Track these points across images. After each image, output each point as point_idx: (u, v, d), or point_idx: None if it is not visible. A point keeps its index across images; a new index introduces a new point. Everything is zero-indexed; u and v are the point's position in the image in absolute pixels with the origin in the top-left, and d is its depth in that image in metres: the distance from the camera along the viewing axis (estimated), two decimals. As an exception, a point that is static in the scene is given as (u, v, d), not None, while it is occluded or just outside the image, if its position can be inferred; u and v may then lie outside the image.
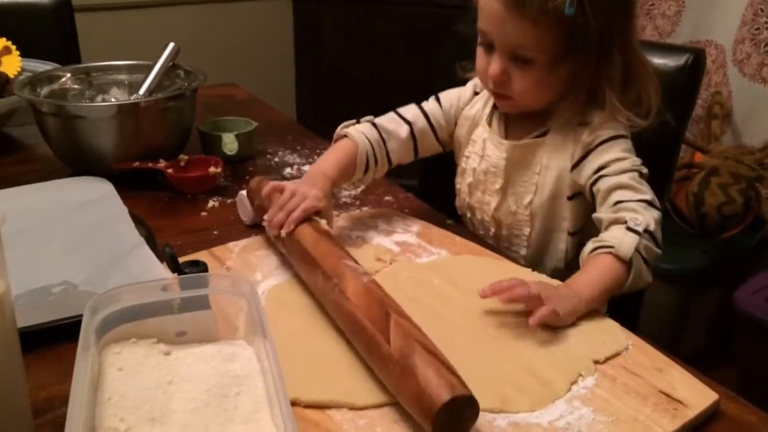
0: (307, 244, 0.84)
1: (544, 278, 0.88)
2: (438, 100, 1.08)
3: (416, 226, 1.04)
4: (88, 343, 0.57)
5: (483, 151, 1.02)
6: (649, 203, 0.87)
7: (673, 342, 1.78)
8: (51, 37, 1.81)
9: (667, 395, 0.68)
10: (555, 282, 0.84)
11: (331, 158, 1.00)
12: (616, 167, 0.90)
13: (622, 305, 1.08)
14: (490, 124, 1.03)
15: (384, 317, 0.68)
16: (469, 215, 1.09)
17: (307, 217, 0.88)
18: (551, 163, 0.96)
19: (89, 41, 1.99)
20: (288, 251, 0.89)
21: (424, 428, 0.62)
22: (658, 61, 1.16)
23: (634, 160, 0.91)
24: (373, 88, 2.91)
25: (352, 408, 0.66)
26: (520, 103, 0.95)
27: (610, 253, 0.82)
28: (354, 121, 1.06)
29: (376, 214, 1.08)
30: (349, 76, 2.94)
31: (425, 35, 2.67)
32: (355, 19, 2.88)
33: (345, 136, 1.03)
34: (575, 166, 0.94)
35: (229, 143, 1.25)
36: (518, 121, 1.01)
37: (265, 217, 0.92)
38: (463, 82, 1.10)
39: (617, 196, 0.89)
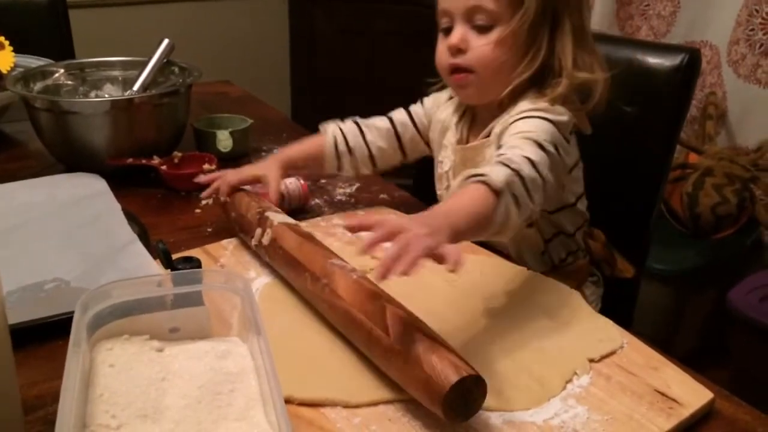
0: (291, 248, 0.83)
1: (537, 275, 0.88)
2: (422, 101, 1.09)
3: (411, 224, 1.03)
4: (79, 339, 0.56)
5: (452, 154, 1.02)
6: (532, 162, 0.80)
7: (667, 342, 1.78)
8: (45, 34, 1.81)
9: (662, 394, 0.68)
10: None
11: (294, 146, 1.08)
12: (517, 137, 0.85)
13: (615, 304, 1.08)
14: (456, 129, 1.02)
15: (379, 310, 0.68)
16: None
17: (241, 183, 1.00)
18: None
19: (83, 38, 1.98)
20: (271, 258, 0.87)
21: (432, 416, 0.61)
22: (653, 60, 1.16)
23: (539, 135, 0.84)
24: (368, 87, 2.91)
25: (346, 406, 0.65)
26: (480, 79, 0.92)
27: (481, 182, 0.74)
28: (337, 120, 1.08)
29: (371, 212, 1.07)
30: (344, 75, 2.94)
31: (420, 35, 2.65)
32: (350, 18, 2.88)
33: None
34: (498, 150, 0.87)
35: (224, 140, 1.25)
36: (480, 124, 0.99)
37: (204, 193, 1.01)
38: None
39: (503, 150, 0.83)
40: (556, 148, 0.86)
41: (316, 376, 0.69)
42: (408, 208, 1.10)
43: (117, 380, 0.57)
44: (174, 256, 0.74)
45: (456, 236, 0.68)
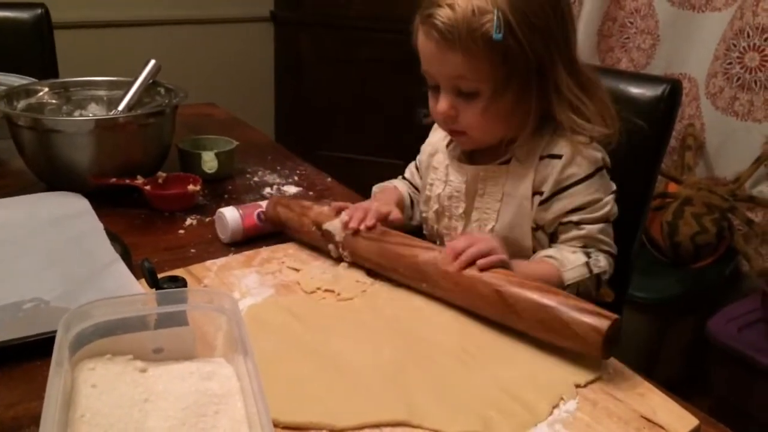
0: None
1: None
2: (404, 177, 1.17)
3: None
4: (61, 358, 0.55)
5: (446, 176, 1.01)
6: (612, 254, 0.92)
7: (647, 370, 1.76)
8: (29, 53, 1.80)
9: (649, 420, 0.68)
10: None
11: (388, 192, 1.10)
12: (590, 216, 0.91)
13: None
14: (453, 150, 1.02)
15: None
16: (438, 242, 1.07)
17: (381, 219, 0.95)
18: (513, 192, 0.94)
19: (68, 59, 1.97)
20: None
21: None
22: (635, 90, 1.18)
23: (606, 202, 0.92)
24: (352, 114, 2.93)
25: (331, 430, 0.64)
26: (474, 138, 0.94)
27: (556, 269, 0.87)
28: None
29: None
30: (328, 101, 2.96)
31: (405, 63, 2.69)
32: (336, 45, 2.90)
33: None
34: (545, 201, 0.93)
35: (209, 161, 1.24)
36: (482, 150, 1.00)
37: (344, 215, 0.95)
38: None
39: (585, 234, 0.92)
40: (613, 208, 0.94)
41: (302, 400, 0.68)
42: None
43: (99, 401, 0.55)
44: (159, 276, 0.73)
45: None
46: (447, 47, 0.86)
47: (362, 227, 0.92)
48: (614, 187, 0.96)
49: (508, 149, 0.95)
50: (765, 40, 1.77)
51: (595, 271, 0.88)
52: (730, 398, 1.65)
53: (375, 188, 1.13)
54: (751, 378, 1.58)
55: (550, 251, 0.90)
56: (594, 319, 0.73)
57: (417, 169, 1.13)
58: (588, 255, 0.89)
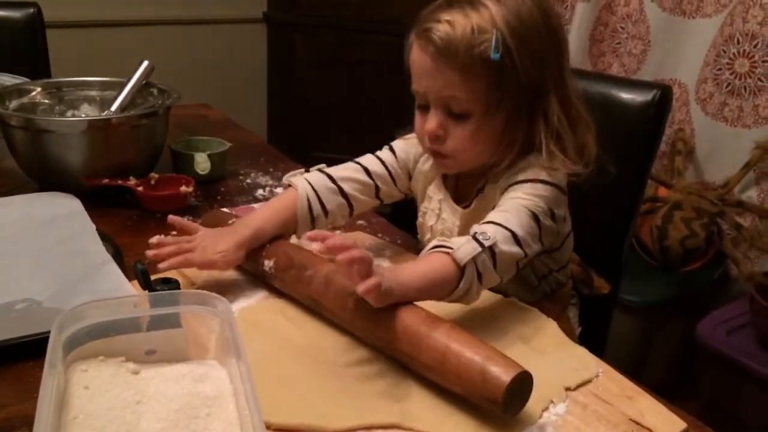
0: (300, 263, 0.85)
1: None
2: (392, 149, 1.03)
3: (389, 250, 1.04)
4: (55, 359, 0.55)
5: (440, 211, 0.99)
6: (513, 235, 0.82)
7: (636, 373, 1.78)
8: (21, 52, 1.79)
9: (637, 423, 0.69)
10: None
11: (264, 209, 0.96)
12: (514, 203, 0.86)
13: (588, 335, 1.10)
14: (445, 183, 0.99)
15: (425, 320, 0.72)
16: None
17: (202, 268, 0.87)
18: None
19: (60, 58, 1.96)
20: (282, 281, 0.87)
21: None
22: (626, 96, 1.19)
23: (537, 204, 0.86)
24: (344, 115, 2.93)
25: (323, 432, 0.65)
26: (457, 161, 0.91)
27: (448, 253, 0.78)
28: (302, 169, 1.01)
29: (348, 239, 1.07)
30: (321, 102, 2.96)
31: (397, 63, 2.70)
32: (329, 47, 2.91)
33: (290, 185, 0.98)
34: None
35: (202, 163, 1.24)
36: (467, 177, 0.97)
37: (153, 240, 0.89)
38: None
39: (493, 216, 0.84)
40: (552, 215, 0.87)
41: (293, 402, 0.68)
42: (385, 235, 1.10)
43: (92, 403, 0.55)
44: (152, 277, 0.73)
45: (403, 290, 0.73)
46: (443, 63, 0.84)
47: (161, 266, 0.84)
48: (560, 213, 0.90)
49: (486, 174, 0.93)
50: (755, 46, 1.78)
51: (486, 242, 0.78)
52: (719, 402, 1.66)
53: (285, 179, 1.00)
54: (740, 382, 1.60)
55: (431, 243, 0.82)
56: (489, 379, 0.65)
57: (387, 169, 1.01)
58: (474, 233, 0.81)
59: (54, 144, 1.13)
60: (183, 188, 1.14)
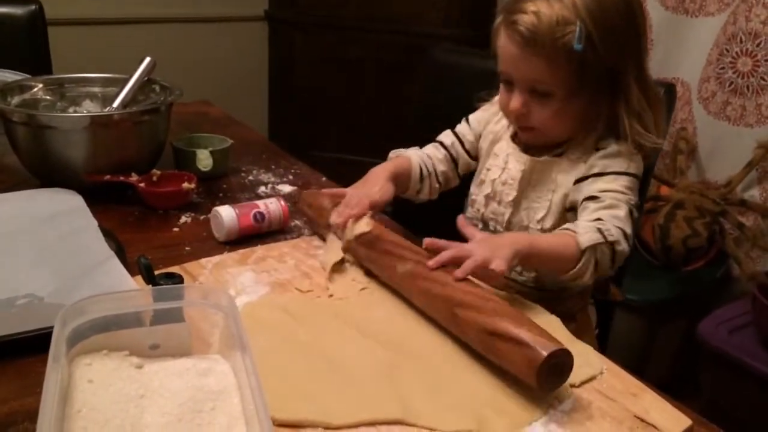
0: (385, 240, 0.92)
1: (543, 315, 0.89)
2: (467, 120, 1.14)
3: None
4: (58, 353, 0.55)
5: (505, 164, 1.05)
6: (625, 235, 0.90)
7: (638, 372, 1.78)
8: (23, 49, 1.79)
9: (642, 420, 0.69)
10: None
11: (386, 165, 1.07)
12: (613, 196, 0.93)
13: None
14: (513, 140, 1.06)
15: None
16: (481, 226, 1.09)
17: (365, 212, 0.95)
18: (562, 182, 0.99)
19: (62, 56, 1.96)
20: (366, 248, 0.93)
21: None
22: (630, 93, 1.19)
23: (631, 198, 0.94)
24: (345, 113, 2.93)
25: (327, 427, 0.65)
26: (542, 135, 0.98)
27: (572, 236, 0.87)
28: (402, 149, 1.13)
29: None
30: (322, 100, 2.96)
31: (398, 62, 2.70)
32: (330, 45, 2.90)
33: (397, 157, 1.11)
34: (578, 181, 0.97)
35: (204, 159, 1.24)
36: (540, 144, 1.04)
37: (331, 219, 0.98)
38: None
39: (601, 214, 0.91)
40: (638, 209, 0.95)
41: (297, 397, 0.68)
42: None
43: (95, 396, 0.55)
44: (155, 273, 0.73)
45: (526, 256, 0.84)
46: (529, 52, 0.90)
47: (347, 221, 0.94)
48: (637, 201, 0.97)
49: (565, 144, 0.99)
50: (757, 45, 1.78)
51: (609, 238, 0.87)
52: (720, 401, 1.66)
53: (392, 153, 1.12)
54: (741, 381, 1.59)
55: (565, 225, 0.92)
56: (530, 351, 0.68)
57: (461, 141, 1.13)
58: (597, 225, 0.89)
59: (56, 140, 1.13)
60: (185, 185, 1.13)
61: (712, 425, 0.71)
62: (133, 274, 0.86)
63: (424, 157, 1.11)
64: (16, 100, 1.24)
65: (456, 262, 0.81)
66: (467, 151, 1.13)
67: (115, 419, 0.53)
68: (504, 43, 0.94)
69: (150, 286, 0.70)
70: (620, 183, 0.93)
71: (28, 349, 0.72)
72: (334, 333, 0.80)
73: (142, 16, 2.68)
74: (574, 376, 0.74)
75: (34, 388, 0.60)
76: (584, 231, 0.87)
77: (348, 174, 1.14)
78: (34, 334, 0.72)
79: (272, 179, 1.31)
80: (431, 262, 0.82)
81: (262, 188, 1.26)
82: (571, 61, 0.89)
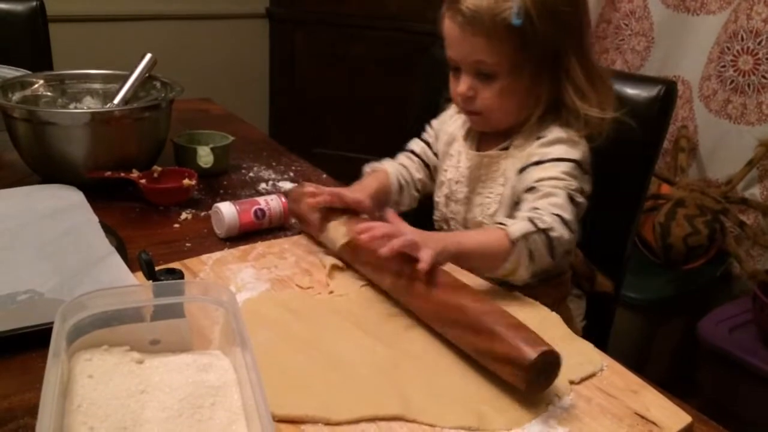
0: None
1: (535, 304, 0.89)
2: (430, 125, 1.15)
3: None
4: (58, 348, 0.55)
5: (458, 162, 1.07)
6: (564, 221, 0.88)
7: (637, 370, 1.78)
8: (23, 46, 1.78)
9: (642, 417, 0.69)
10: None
11: (366, 183, 1.07)
12: (551, 184, 0.92)
13: (590, 332, 1.09)
14: (466, 139, 1.07)
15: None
16: (445, 227, 1.11)
17: (345, 204, 0.97)
18: (510, 175, 0.99)
19: (62, 52, 1.96)
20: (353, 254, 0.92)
21: None
22: (630, 91, 1.19)
23: (572, 184, 0.92)
24: (346, 110, 2.93)
25: (327, 423, 0.65)
26: (489, 119, 0.99)
27: (501, 228, 0.85)
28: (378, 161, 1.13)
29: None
30: (323, 97, 2.96)
31: (399, 60, 2.70)
32: (331, 42, 2.90)
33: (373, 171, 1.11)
34: (521, 171, 0.97)
35: (204, 156, 1.24)
36: (491, 137, 1.05)
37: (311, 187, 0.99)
38: (437, 109, 1.16)
39: (538, 204, 0.90)
40: (583, 193, 0.94)
41: (297, 393, 0.68)
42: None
43: (96, 391, 0.55)
44: (156, 268, 0.73)
45: (454, 255, 0.83)
46: (470, 31, 0.92)
47: (312, 201, 0.96)
48: (586, 189, 0.96)
49: (511, 136, 1.00)
50: (759, 43, 1.78)
51: (541, 225, 0.85)
52: (718, 399, 1.66)
53: (367, 167, 1.12)
54: (741, 379, 1.59)
55: (499, 219, 0.91)
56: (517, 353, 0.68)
57: (429, 146, 1.14)
58: (528, 216, 0.87)
59: (57, 136, 1.13)
60: (186, 181, 1.13)
61: (712, 422, 0.71)
62: (133, 270, 0.87)
63: (399, 169, 1.11)
64: (16, 96, 1.24)
65: (388, 236, 0.81)
66: (436, 154, 1.14)
67: (115, 414, 0.53)
68: (448, 27, 0.95)
69: (151, 281, 0.70)
70: (559, 169, 0.93)
71: (28, 345, 0.72)
72: (334, 329, 0.80)
73: (143, 13, 2.68)
74: (575, 373, 0.74)
75: (35, 384, 0.60)
76: (514, 223, 0.86)
77: (348, 171, 1.14)
78: (35, 329, 0.72)
79: (273, 176, 1.31)
80: (365, 236, 0.82)
81: (263, 185, 1.26)
82: (512, 39, 0.91)
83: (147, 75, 1.29)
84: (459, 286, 0.80)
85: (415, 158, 1.14)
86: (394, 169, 1.10)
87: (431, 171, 1.14)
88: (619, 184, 1.21)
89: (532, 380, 0.67)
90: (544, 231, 0.85)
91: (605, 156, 1.21)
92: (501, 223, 0.86)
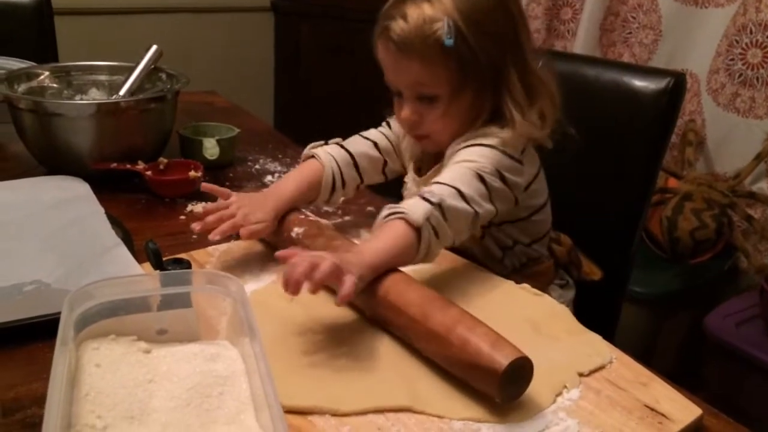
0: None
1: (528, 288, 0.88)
2: (388, 124, 1.10)
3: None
4: (66, 337, 0.55)
5: (410, 188, 1.06)
6: (460, 193, 0.84)
7: (643, 364, 1.78)
8: (29, 38, 1.79)
9: (652, 409, 0.68)
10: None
11: (293, 179, 1.00)
12: (459, 165, 0.88)
13: (598, 324, 1.09)
14: (410, 161, 1.06)
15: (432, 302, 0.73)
16: None
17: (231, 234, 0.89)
18: None
19: (68, 45, 1.96)
20: None
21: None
22: (638, 83, 1.18)
23: (482, 165, 0.88)
24: (351, 103, 2.92)
25: (335, 414, 0.64)
26: (436, 140, 0.97)
27: (402, 218, 0.79)
28: (322, 142, 1.06)
29: (359, 224, 1.07)
30: (328, 91, 2.95)
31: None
32: (336, 36, 2.89)
33: (312, 156, 1.03)
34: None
35: (210, 148, 1.24)
36: (431, 157, 1.03)
37: (199, 208, 0.94)
38: None
39: (439, 178, 0.86)
40: (501, 176, 0.89)
41: (305, 384, 0.67)
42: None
43: (103, 380, 0.55)
44: (163, 259, 0.73)
45: (372, 271, 0.75)
46: (404, 56, 0.90)
47: (210, 237, 0.87)
48: (511, 177, 0.91)
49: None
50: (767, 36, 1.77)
51: (433, 199, 0.80)
52: (724, 394, 1.65)
53: (308, 150, 1.04)
54: (748, 374, 1.59)
55: (382, 211, 0.83)
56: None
57: (393, 147, 1.08)
58: (422, 194, 0.83)
59: (62, 128, 1.12)
60: (192, 173, 1.13)
61: (722, 415, 0.71)
62: (140, 261, 0.86)
63: (342, 161, 1.02)
64: (22, 87, 1.24)
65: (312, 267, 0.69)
66: (396, 154, 1.08)
67: (122, 403, 0.53)
68: (382, 54, 0.94)
69: (158, 271, 0.70)
70: (467, 154, 0.89)
71: (35, 335, 0.72)
72: (341, 321, 0.79)
73: (148, 5, 2.68)
74: (583, 365, 0.74)
75: (42, 374, 0.59)
76: (410, 207, 0.80)
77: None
78: (41, 320, 0.72)
79: (279, 168, 1.31)
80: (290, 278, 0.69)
81: (269, 177, 1.26)
82: (448, 59, 0.88)
83: (153, 66, 1.29)
84: (425, 300, 0.74)
85: (376, 153, 1.07)
86: (331, 164, 1.01)
87: (386, 169, 1.08)
88: (627, 178, 1.20)
89: (509, 391, 0.65)
90: (438, 204, 0.80)
91: (613, 149, 1.21)
92: (399, 212, 0.80)
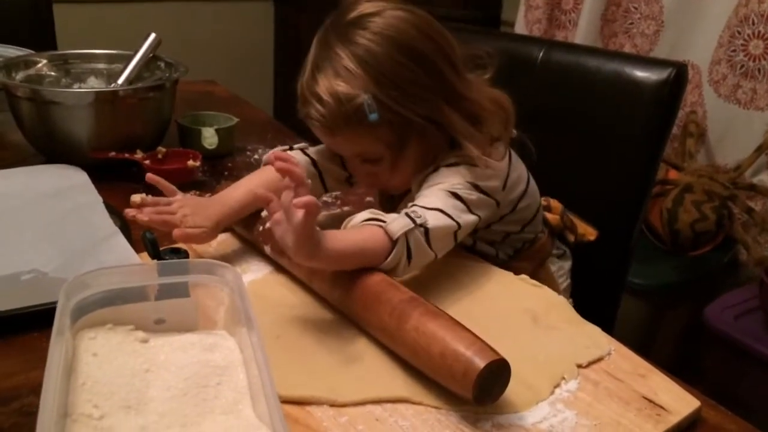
0: None
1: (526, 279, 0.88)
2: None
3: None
4: (62, 326, 0.54)
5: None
6: (442, 212, 0.82)
7: (642, 356, 1.78)
8: (27, 27, 1.78)
9: (650, 401, 0.68)
10: None
11: (243, 186, 0.94)
12: (426, 189, 0.87)
13: (597, 315, 1.09)
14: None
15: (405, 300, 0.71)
16: None
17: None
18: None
19: (66, 33, 1.95)
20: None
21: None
22: (640, 74, 1.17)
23: (452, 183, 0.86)
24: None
25: (333, 404, 0.64)
26: (396, 186, 0.96)
27: (381, 226, 0.78)
28: (287, 147, 1.04)
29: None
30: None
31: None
32: (336, 26, 2.88)
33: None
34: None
35: (209, 137, 1.23)
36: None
37: (136, 198, 0.89)
38: None
39: (417, 202, 0.84)
40: (476, 186, 0.87)
41: (303, 374, 0.67)
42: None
43: (100, 370, 0.55)
44: (160, 248, 0.72)
45: (330, 251, 0.71)
46: (335, 135, 0.87)
47: (139, 218, 0.85)
48: (483, 184, 0.89)
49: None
50: (770, 27, 1.76)
51: (419, 221, 0.78)
52: (723, 386, 1.65)
53: (269, 155, 0.99)
54: (747, 366, 1.59)
55: (362, 214, 0.82)
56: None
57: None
58: (407, 211, 0.81)
59: (61, 116, 1.12)
60: (190, 162, 1.13)
61: (720, 407, 0.71)
62: (138, 251, 0.86)
63: (306, 173, 0.95)
64: (20, 75, 1.23)
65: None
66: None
67: (119, 392, 0.53)
68: (312, 128, 0.89)
69: (155, 260, 0.69)
70: (437, 180, 0.87)
71: (32, 324, 0.72)
72: (337, 311, 0.79)
73: (147, -6, 2.67)
74: (582, 357, 0.74)
75: (38, 363, 0.59)
76: (393, 219, 0.78)
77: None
78: (39, 309, 0.72)
79: (278, 158, 1.30)
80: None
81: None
82: (378, 129, 0.85)
83: (151, 55, 1.28)
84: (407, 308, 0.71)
85: (338, 167, 1.01)
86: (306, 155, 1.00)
87: (349, 177, 1.02)
88: (627, 169, 1.20)
89: (487, 393, 0.64)
90: (422, 226, 0.79)
91: (613, 140, 1.20)
92: (379, 219, 0.79)
